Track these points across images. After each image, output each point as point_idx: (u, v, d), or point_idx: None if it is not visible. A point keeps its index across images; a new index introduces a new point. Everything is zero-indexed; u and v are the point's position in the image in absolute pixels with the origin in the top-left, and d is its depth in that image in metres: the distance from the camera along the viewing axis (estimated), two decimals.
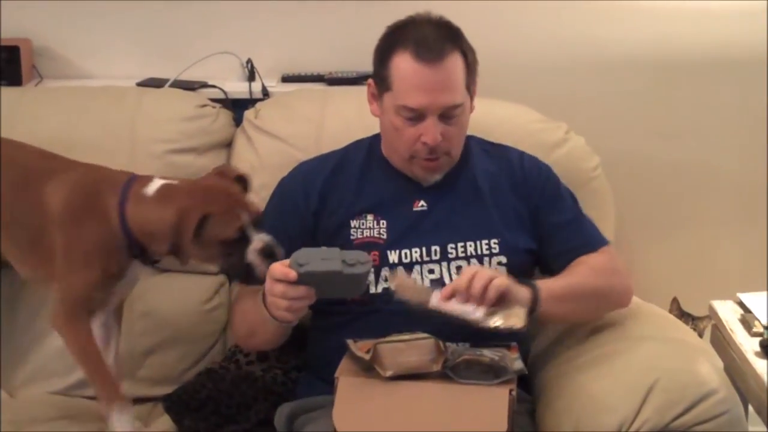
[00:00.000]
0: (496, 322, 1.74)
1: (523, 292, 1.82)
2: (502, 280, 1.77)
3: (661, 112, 2.78)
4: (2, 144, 2.07)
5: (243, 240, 1.85)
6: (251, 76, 2.65)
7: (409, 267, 1.95)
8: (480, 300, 1.74)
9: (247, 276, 1.92)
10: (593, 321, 1.99)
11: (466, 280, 1.75)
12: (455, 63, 1.91)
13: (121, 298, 2.08)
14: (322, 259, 1.70)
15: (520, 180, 2.05)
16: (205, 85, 2.60)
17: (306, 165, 2.12)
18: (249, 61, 2.65)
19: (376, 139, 2.09)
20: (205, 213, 1.82)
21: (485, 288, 1.74)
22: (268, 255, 1.83)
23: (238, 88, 2.63)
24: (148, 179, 1.94)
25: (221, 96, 2.58)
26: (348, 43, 2.67)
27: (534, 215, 2.03)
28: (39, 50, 2.68)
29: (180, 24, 2.69)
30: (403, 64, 1.91)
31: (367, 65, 2.09)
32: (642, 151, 2.79)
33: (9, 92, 2.50)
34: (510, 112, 2.37)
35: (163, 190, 1.91)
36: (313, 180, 2.04)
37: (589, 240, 2.04)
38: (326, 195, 2.02)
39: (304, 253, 1.71)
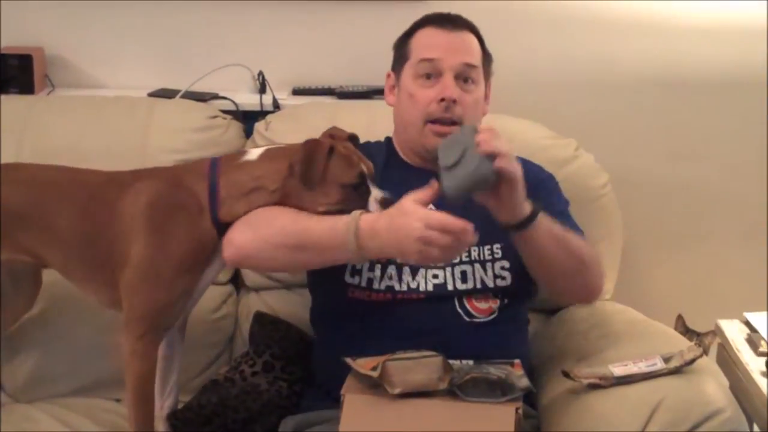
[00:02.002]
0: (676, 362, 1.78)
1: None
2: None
3: (670, 131, 2.79)
4: (63, 170, 2.01)
5: (363, 188, 1.85)
6: (262, 89, 2.66)
7: (414, 270, 1.94)
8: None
9: None
10: (571, 300, 2.02)
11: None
12: (473, 39, 2.01)
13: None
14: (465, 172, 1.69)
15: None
16: (216, 97, 2.61)
17: None
18: (260, 73, 2.66)
19: (389, 141, 2.10)
20: (331, 146, 1.83)
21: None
22: (387, 207, 1.79)
23: (248, 100, 2.63)
24: (239, 153, 1.95)
25: (232, 108, 2.58)
26: (359, 58, 2.68)
27: None
28: (52, 59, 2.69)
29: (192, 36, 2.71)
30: (425, 32, 2.01)
31: (377, 80, 2.10)
32: (650, 169, 2.79)
33: (21, 100, 2.52)
34: (520, 127, 2.38)
35: (270, 151, 1.92)
36: None
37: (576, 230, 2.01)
38: None
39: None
